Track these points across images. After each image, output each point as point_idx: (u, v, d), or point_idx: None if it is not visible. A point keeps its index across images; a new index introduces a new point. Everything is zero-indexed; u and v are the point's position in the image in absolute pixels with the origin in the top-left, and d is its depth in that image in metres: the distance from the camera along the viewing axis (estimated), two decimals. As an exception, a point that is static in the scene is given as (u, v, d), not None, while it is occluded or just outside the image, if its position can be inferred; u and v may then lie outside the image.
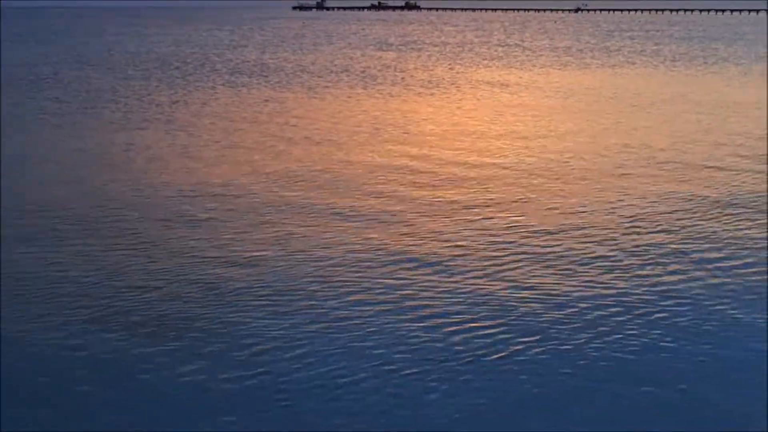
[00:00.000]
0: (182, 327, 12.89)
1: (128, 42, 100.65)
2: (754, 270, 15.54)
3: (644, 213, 19.52)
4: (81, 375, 11.40)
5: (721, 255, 16.36)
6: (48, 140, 29.77)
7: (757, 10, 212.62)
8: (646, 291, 14.42)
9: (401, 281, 14.86)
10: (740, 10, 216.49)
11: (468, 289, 14.46)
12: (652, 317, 13.29)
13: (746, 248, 16.81)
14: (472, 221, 18.74)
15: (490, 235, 17.65)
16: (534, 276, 15.14)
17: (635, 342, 12.37)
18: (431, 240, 17.30)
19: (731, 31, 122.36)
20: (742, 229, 18.16)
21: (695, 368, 11.60)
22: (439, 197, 20.78)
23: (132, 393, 10.90)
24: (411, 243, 17.09)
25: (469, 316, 13.28)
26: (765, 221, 18.76)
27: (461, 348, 12.17)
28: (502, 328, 12.83)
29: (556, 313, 13.44)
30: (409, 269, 15.50)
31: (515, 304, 13.81)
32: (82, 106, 39.74)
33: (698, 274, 15.30)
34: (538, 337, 12.51)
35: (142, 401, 10.70)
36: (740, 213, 19.49)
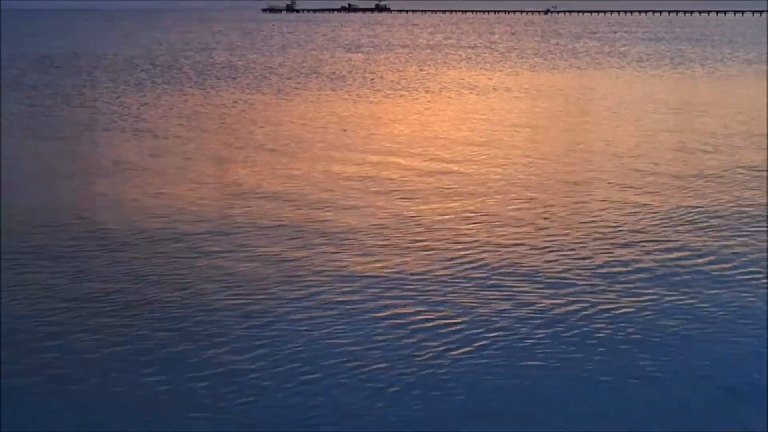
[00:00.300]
0: (151, 329, 12.93)
1: (95, 44, 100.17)
2: (730, 275, 15.72)
3: (610, 219, 19.69)
4: (66, 375, 11.44)
5: (679, 256, 16.55)
6: (13, 145, 29.61)
7: (725, 11, 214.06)
8: (612, 288, 14.57)
9: (367, 281, 14.94)
10: (708, 11, 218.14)
11: (433, 289, 14.56)
12: (621, 315, 13.42)
13: (716, 252, 17.00)
14: (437, 229, 18.84)
15: (455, 243, 17.77)
16: (499, 276, 15.27)
17: (605, 342, 12.49)
18: (398, 246, 17.40)
19: (698, 33, 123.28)
20: (697, 234, 18.36)
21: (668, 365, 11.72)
22: (403, 206, 20.68)
23: (112, 394, 10.93)
24: (377, 246, 17.20)
25: (435, 314, 13.38)
26: (728, 226, 18.99)
27: (428, 344, 12.26)
28: (468, 325, 12.93)
29: (522, 311, 13.56)
30: (375, 270, 15.60)
31: (482, 301, 13.92)
32: (49, 109, 39.56)
33: (662, 273, 15.48)
34: (504, 334, 12.61)
35: (118, 402, 10.72)
36: (708, 217, 19.69)
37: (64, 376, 11.43)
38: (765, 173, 24.02)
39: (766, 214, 19.58)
